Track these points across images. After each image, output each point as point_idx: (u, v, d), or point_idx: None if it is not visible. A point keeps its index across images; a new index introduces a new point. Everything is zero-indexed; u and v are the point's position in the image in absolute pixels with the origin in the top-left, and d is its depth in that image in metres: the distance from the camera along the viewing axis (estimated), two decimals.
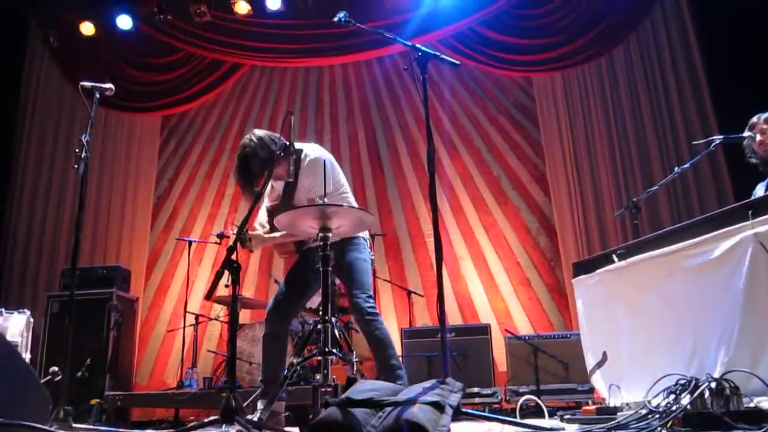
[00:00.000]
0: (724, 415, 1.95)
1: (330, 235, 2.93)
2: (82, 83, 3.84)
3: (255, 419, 3.23)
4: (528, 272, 7.07)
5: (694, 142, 4.67)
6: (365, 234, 3.69)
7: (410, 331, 5.98)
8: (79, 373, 5.33)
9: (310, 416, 2.34)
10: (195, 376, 5.83)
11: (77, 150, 3.60)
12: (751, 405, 2.09)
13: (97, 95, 3.87)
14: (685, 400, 2.07)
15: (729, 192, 6.18)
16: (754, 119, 3.85)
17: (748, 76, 5.74)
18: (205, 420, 2.64)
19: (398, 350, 5.82)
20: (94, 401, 5.13)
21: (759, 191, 3.84)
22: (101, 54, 7.93)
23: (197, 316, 6.25)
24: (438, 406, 2.13)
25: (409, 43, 3.11)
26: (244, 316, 6.81)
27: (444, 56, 3.15)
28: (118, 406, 5.41)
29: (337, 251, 3.23)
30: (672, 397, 2.16)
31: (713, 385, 2.05)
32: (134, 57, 8.08)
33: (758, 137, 3.77)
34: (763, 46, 5.71)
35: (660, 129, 6.79)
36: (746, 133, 3.84)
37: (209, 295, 2.73)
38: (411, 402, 2.13)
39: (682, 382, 2.16)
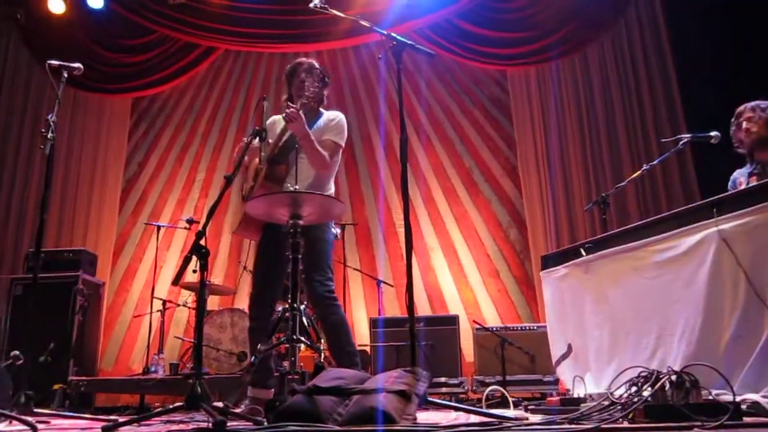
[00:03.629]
0: (684, 407, 1.99)
1: (300, 222, 2.92)
2: (49, 62, 3.76)
3: (242, 408, 3.23)
4: (497, 264, 7.14)
5: (663, 140, 4.73)
6: None
7: (379, 320, 5.99)
8: (42, 358, 5.24)
9: (277, 403, 2.34)
10: (161, 362, 5.78)
11: (44, 130, 3.53)
12: (710, 398, 2.13)
13: (65, 75, 3.79)
14: (647, 392, 2.11)
15: (695, 189, 6.30)
16: (741, 108, 3.84)
17: (717, 78, 5.84)
18: (171, 406, 2.62)
19: (367, 339, 5.85)
20: (57, 386, 5.07)
21: (741, 179, 3.85)
22: (71, 33, 7.73)
23: (165, 302, 6.19)
24: (404, 395, 2.14)
25: (385, 32, 3.10)
26: (213, 302, 6.76)
27: (419, 46, 3.15)
28: (81, 392, 5.33)
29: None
30: (634, 389, 2.20)
31: (674, 377, 2.09)
32: (105, 37, 7.90)
33: (744, 125, 3.77)
34: (733, 49, 5.81)
35: (630, 126, 6.88)
36: (732, 123, 3.84)
37: (176, 280, 2.69)
38: (378, 390, 2.14)
39: (644, 374, 2.20)
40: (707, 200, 2.89)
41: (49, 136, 3.51)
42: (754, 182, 3.58)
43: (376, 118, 7.82)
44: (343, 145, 3.68)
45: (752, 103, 3.79)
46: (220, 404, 2.99)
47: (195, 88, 8.23)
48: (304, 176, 3.45)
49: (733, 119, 3.85)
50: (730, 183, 3.87)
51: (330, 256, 3.53)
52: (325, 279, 3.41)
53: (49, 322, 5.36)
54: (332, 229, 3.64)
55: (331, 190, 3.64)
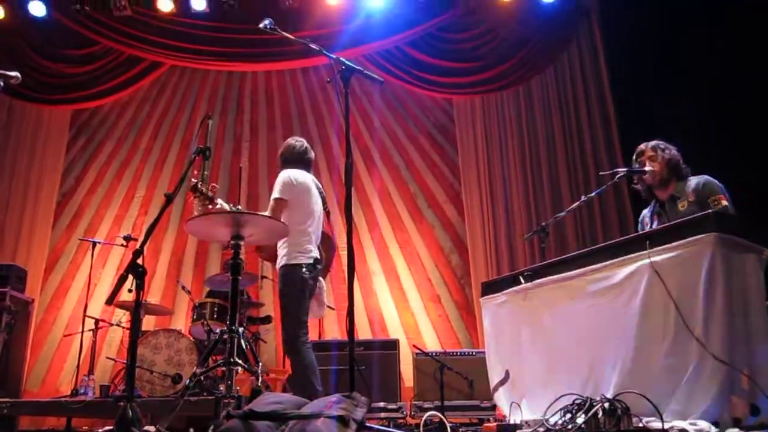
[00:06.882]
0: None
1: (242, 243, 2.88)
2: None
3: None
4: (439, 289, 7.19)
5: (601, 173, 4.87)
6: (307, 258, 3.76)
7: (319, 344, 5.92)
8: None
9: (211, 428, 2.28)
10: (91, 383, 5.56)
11: None
12: (640, 425, 2.19)
13: (1, 83, 3.66)
14: (580, 419, 2.15)
15: (630, 221, 6.50)
16: (642, 147, 3.94)
17: (654, 113, 6.09)
18: (99, 430, 2.52)
19: None
20: None
21: (647, 219, 3.96)
22: (9, 40, 7.51)
23: (97, 321, 5.97)
24: (342, 421, 2.12)
25: (334, 56, 3.13)
26: (148, 322, 6.57)
27: (368, 72, 3.19)
28: (3, 414, 5.07)
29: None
30: (568, 416, 2.24)
31: (606, 405, 2.14)
32: (46, 46, 7.69)
33: (647, 164, 3.88)
34: (667, 85, 6.09)
35: (570, 158, 7.10)
36: (634, 161, 3.94)
37: (110, 300, 2.61)
38: (315, 416, 2.11)
39: (578, 401, 2.25)
40: (641, 232, 2.99)
41: None
42: (656, 221, 3.71)
43: (323, 140, 7.82)
44: (283, 197, 3.77)
45: (652, 143, 3.87)
46: (152, 428, 2.90)
47: (138, 103, 8.06)
48: None
49: (634, 157, 3.95)
50: (639, 224, 3.97)
51: (288, 308, 3.69)
52: (285, 325, 3.66)
53: None
54: (301, 275, 3.76)
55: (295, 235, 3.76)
